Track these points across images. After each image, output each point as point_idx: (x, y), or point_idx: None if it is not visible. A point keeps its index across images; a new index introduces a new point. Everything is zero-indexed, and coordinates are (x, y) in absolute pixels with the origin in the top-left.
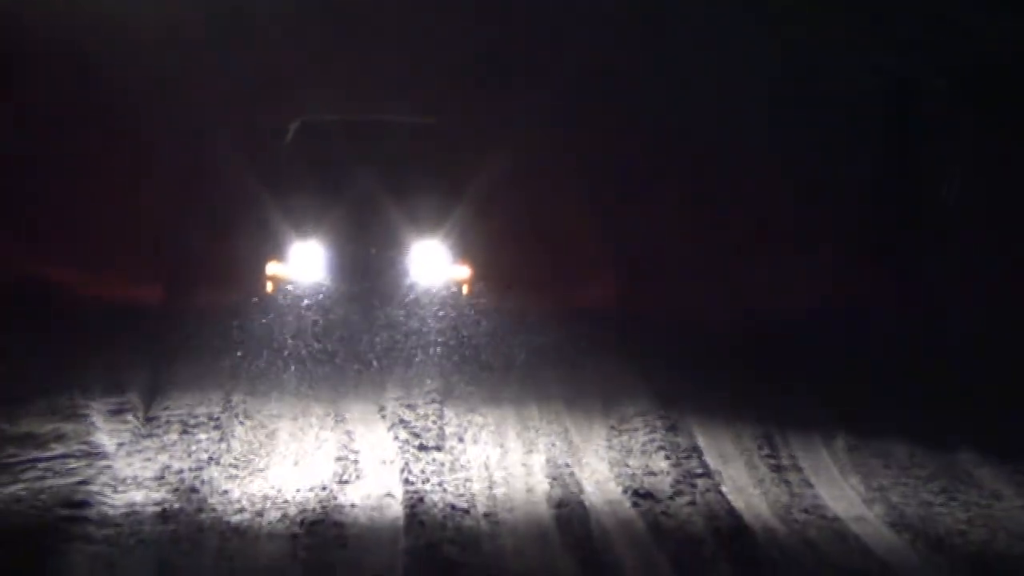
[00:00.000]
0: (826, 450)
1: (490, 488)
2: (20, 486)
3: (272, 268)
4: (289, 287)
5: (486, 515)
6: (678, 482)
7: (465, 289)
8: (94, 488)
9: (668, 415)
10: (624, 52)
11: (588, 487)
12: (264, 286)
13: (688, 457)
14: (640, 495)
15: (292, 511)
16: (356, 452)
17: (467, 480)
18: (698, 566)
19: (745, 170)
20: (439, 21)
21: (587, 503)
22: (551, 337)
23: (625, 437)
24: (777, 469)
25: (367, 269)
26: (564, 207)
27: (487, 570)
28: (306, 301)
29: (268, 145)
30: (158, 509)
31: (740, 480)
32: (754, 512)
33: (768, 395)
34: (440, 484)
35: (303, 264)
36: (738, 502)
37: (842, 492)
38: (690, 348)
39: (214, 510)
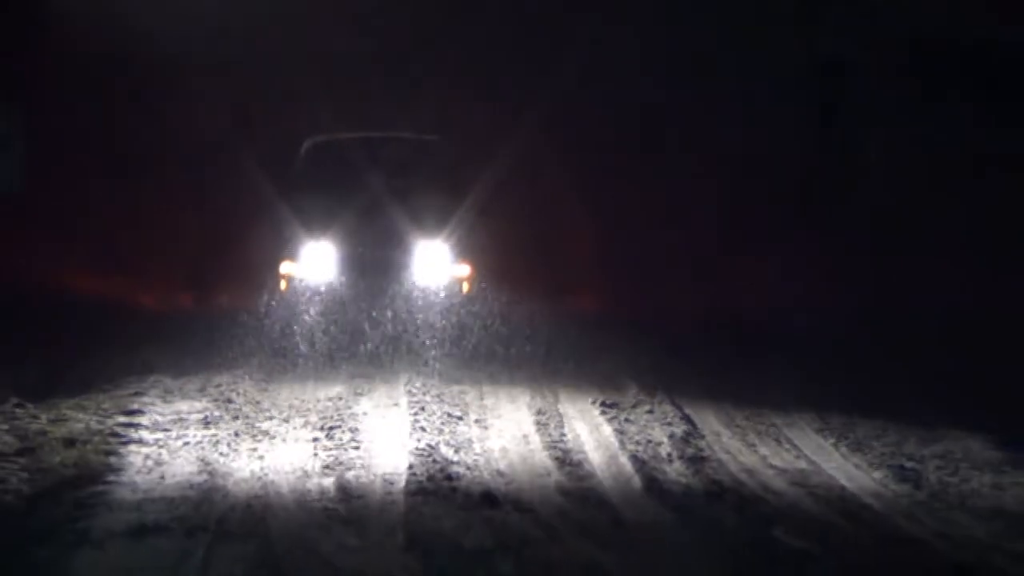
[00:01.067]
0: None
1: (480, 399)
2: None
3: (286, 267)
4: (301, 285)
5: (476, 421)
6: (638, 397)
7: (466, 286)
8: (147, 399)
9: (633, 356)
10: (581, 51)
11: (564, 402)
12: (278, 284)
13: (646, 381)
14: (607, 406)
15: (313, 419)
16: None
17: (462, 392)
18: (656, 463)
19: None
20: (440, 49)
21: (562, 411)
22: (540, 324)
23: (597, 376)
24: (718, 388)
25: (374, 267)
26: (552, 209)
27: (477, 466)
28: (317, 297)
29: (285, 160)
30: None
31: (690, 393)
32: (704, 419)
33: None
34: (438, 396)
35: (314, 263)
36: (688, 409)
37: (773, 399)
38: (659, 326)
39: (248, 417)
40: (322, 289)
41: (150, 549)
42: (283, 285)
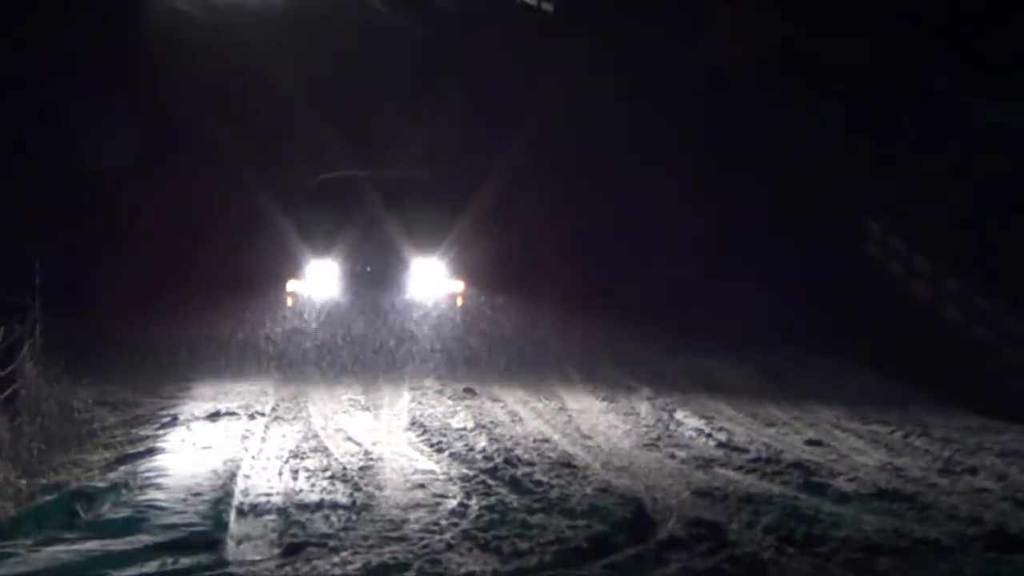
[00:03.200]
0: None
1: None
2: None
3: (292, 285)
4: (307, 301)
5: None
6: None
7: (459, 300)
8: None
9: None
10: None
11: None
12: (285, 301)
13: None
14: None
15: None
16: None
17: (450, 379)
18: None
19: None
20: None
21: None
22: (522, 333)
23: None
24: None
25: (373, 283)
26: (532, 231)
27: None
28: (323, 310)
29: (298, 194)
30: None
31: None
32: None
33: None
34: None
35: (319, 280)
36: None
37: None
38: (608, 302)
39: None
40: (326, 304)
41: (224, 428)
42: (290, 301)
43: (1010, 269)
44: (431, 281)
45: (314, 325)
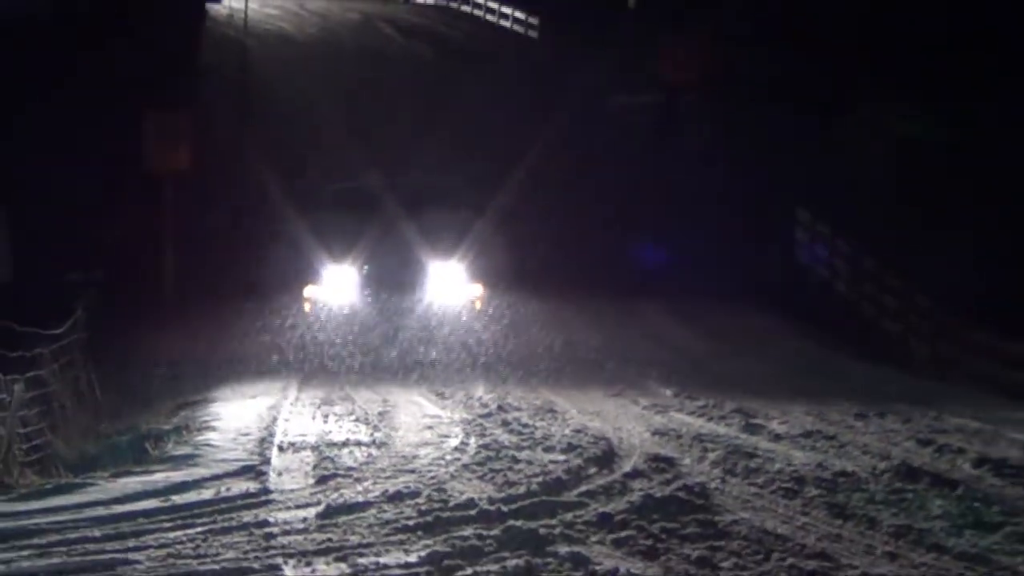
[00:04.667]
0: None
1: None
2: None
3: (309, 291)
4: (325, 306)
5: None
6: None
7: (477, 304)
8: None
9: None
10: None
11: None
12: (302, 307)
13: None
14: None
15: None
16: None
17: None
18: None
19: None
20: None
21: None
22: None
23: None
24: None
25: (392, 288)
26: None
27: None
28: (340, 317)
29: (316, 200)
30: None
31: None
32: None
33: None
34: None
35: (337, 285)
36: None
37: None
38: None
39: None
40: (344, 310)
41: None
42: (307, 307)
43: (916, 252)
44: (449, 285)
45: (331, 331)
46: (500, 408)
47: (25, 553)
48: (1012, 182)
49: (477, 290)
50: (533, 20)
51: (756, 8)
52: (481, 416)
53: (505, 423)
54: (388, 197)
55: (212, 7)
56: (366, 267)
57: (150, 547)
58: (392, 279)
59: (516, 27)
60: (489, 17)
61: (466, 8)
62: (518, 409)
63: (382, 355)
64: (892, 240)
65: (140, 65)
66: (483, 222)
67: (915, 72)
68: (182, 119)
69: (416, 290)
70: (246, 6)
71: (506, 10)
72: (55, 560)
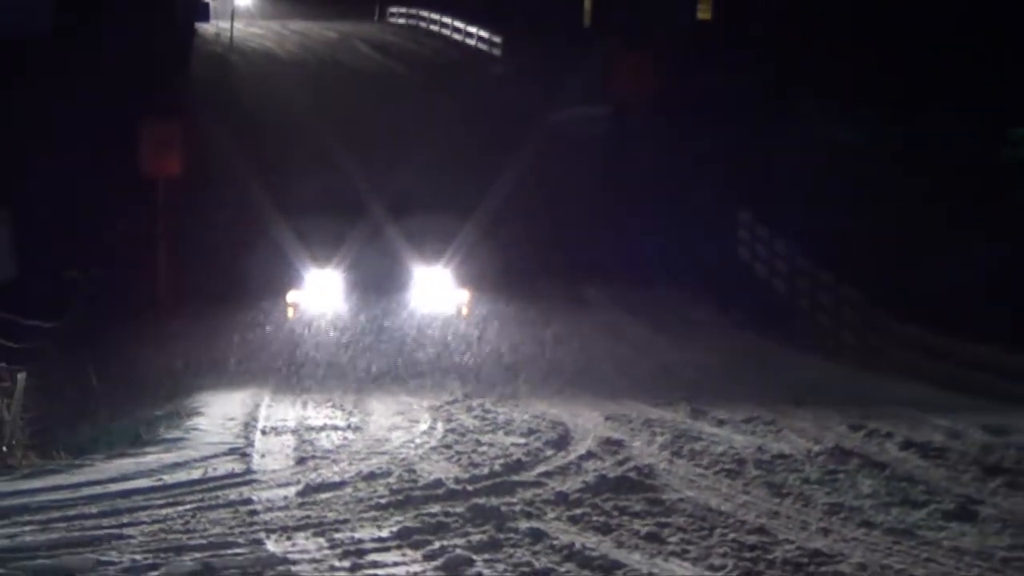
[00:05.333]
0: None
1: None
2: None
3: (292, 296)
4: (308, 312)
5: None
6: None
7: (464, 311)
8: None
9: None
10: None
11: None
12: (284, 313)
13: None
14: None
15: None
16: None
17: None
18: None
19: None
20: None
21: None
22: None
23: None
24: None
25: (377, 293)
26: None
27: None
28: (323, 323)
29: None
30: None
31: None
32: None
33: None
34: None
35: (320, 290)
36: None
37: None
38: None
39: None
40: (328, 316)
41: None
42: (291, 313)
43: (846, 249)
44: (436, 290)
45: (316, 337)
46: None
47: (27, 528)
48: (937, 182)
49: (464, 296)
50: (496, 39)
51: (700, 29)
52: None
53: (470, 408)
54: (372, 200)
55: (201, 26)
56: (349, 271)
57: (143, 523)
58: (375, 286)
59: (480, 45)
60: (456, 36)
61: (435, 28)
62: (482, 396)
63: (363, 365)
64: (825, 238)
65: (135, 77)
66: (468, 226)
67: (845, 85)
68: (173, 127)
69: (402, 295)
70: (231, 25)
71: (472, 29)
72: (55, 535)
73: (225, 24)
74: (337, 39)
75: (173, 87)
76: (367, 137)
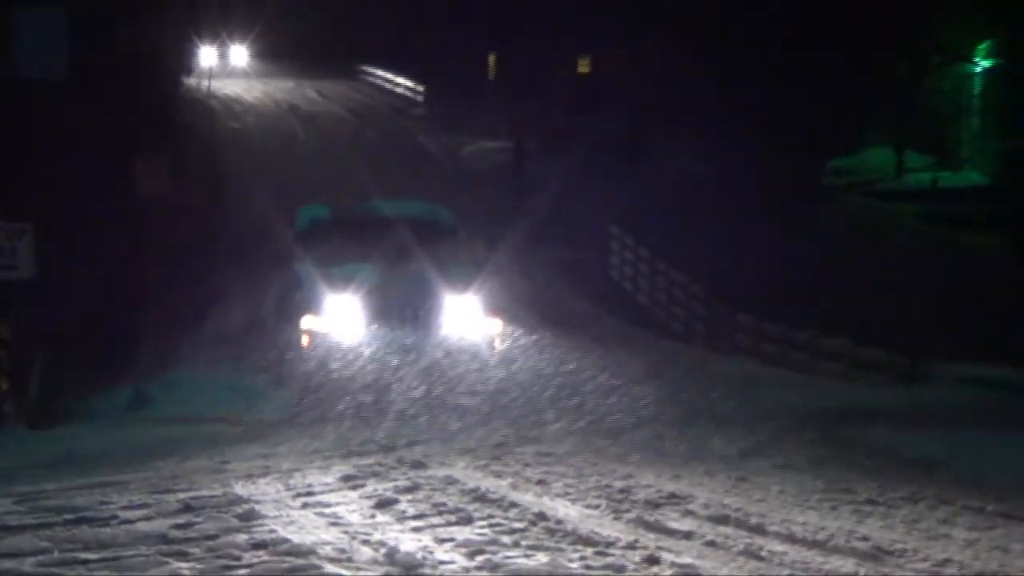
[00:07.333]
0: None
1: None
2: None
3: (307, 322)
4: (325, 340)
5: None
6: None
7: (497, 343)
8: None
9: None
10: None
11: None
12: (299, 341)
13: None
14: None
15: None
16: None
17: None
18: None
19: None
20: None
21: None
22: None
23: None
24: None
25: (401, 321)
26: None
27: None
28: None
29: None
30: None
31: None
32: None
33: None
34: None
35: (338, 317)
36: None
37: None
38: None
39: None
40: (346, 345)
41: None
42: (305, 341)
43: (696, 254)
44: (465, 320)
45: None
46: None
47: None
48: (769, 201)
49: (496, 326)
50: (419, 88)
51: (580, 81)
52: None
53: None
54: (398, 221)
55: (185, 80)
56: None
57: (140, 471)
58: (399, 313)
59: (407, 92)
60: (387, 85)
61: (371, 79)
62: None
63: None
64: (679, 246)
65: (131, 118)
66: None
67: (694, 124)
68: (163, 161)
69: (428, 327)
70: (210, 78)
71: (400, 80)
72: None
73: (204, 80)
74: (292, 87)
75: (163, 126)
76: (315, 162)
